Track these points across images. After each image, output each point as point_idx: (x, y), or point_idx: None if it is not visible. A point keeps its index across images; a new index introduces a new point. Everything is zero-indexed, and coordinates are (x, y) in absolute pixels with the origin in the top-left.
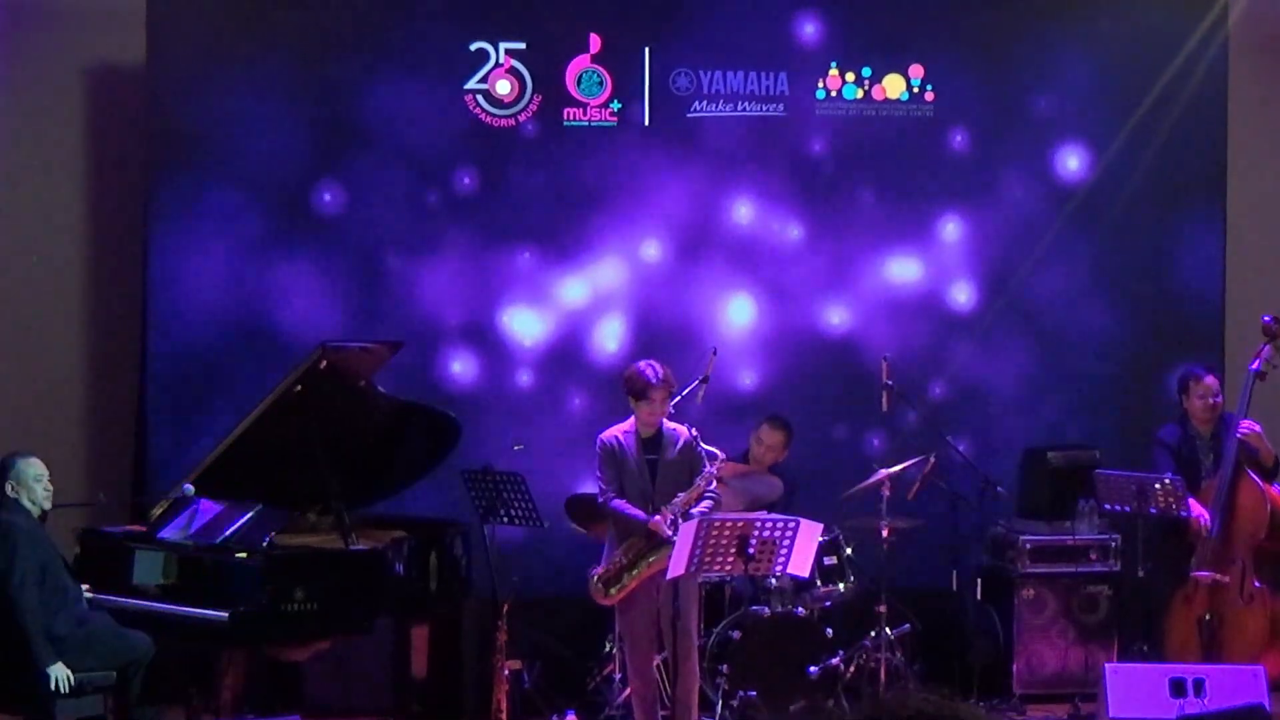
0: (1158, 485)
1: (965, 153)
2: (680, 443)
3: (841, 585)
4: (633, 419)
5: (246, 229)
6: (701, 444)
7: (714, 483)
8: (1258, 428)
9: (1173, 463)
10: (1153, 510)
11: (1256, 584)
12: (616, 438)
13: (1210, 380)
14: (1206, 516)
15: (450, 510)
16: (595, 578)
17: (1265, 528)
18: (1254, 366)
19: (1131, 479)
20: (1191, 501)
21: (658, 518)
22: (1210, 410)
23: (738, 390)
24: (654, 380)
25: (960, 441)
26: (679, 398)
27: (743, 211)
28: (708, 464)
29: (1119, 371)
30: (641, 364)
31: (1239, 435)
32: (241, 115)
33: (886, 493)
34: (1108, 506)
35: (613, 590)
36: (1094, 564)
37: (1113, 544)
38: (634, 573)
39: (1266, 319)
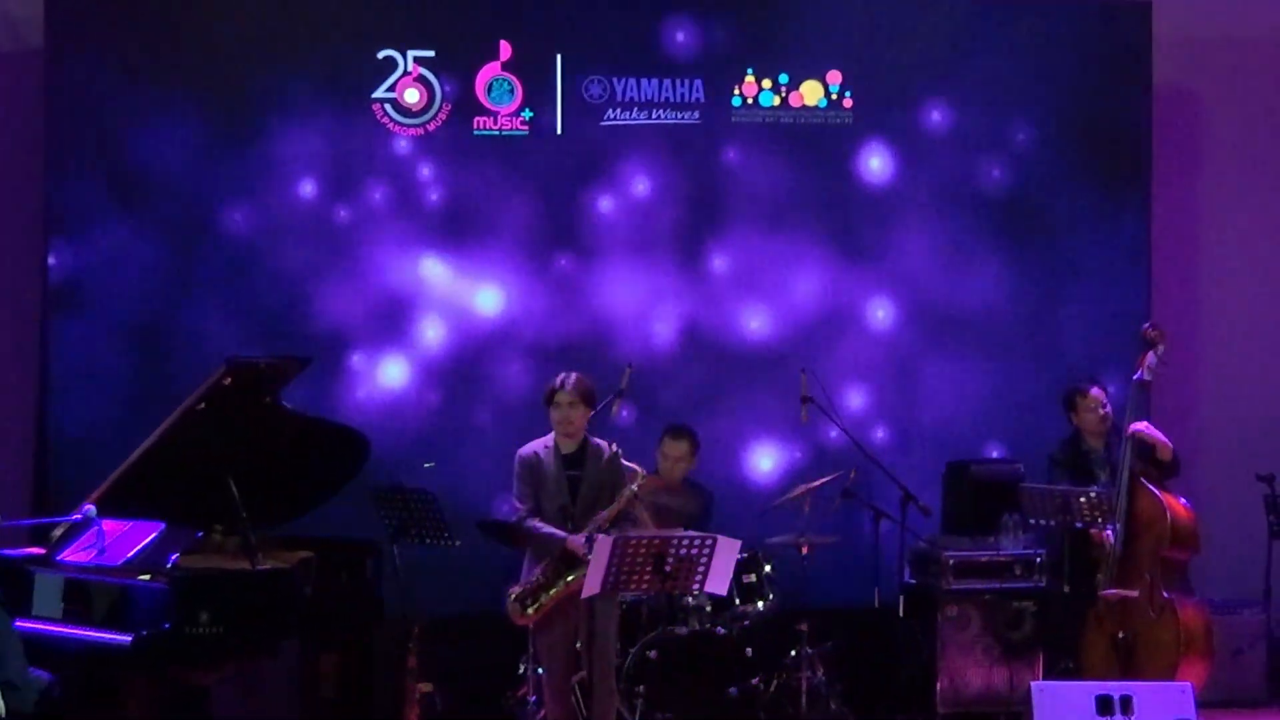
0: (1083, 499)
1: (885, 160)
2: (604, 458)
3: (761, 603)
4: (553, 433)
5: (152, 243)
6: (623, 460)
7: (634, 502)
8: (1144, 426)
9: (1069, 481)
10: (1078, 525)
11: (1165, 594)
12: (536, 452)
13: (1096, 392)
14: (1109, 533)
15: (360, 530)
16: (513, 596)
17: (1168, 537)
18: (1137, 376)
19: (1056, 493)
20: None
21: (577, 537)
22: (1101, 422)
23: (657, 404)
24: (559, 385)
25: (882, 455)
26: (593, 413)
27: (660, 222)
28: (629, 481)
29: (1044, 384)
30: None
31: (1129, 433)
32: (145, 129)
33: (806, 508)
34: (1033, 521)
35: (530, 609)
36: (1018, 580)
37: (1037, 559)
38: (552, 591)
39: (1145, 326)
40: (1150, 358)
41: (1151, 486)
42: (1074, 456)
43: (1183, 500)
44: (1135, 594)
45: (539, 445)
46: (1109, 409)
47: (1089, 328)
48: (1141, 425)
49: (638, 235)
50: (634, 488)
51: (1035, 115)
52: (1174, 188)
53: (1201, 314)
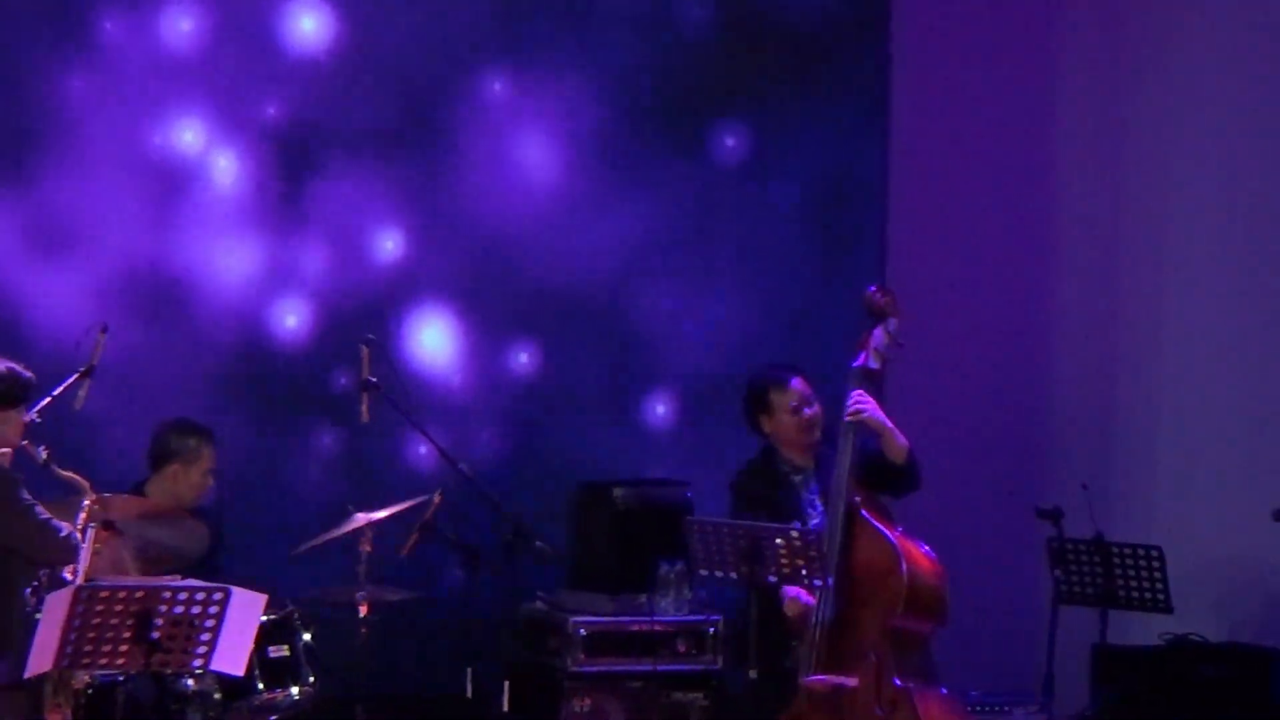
0: (779, 540)
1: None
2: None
3: (296, 689)
4: None
5: None
6: (57, 469)
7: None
8: (869, 404)
9: (766, 519)
10: (771, 579)
11: (898, 682)
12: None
13: (797, 383)
14: (806, 596)
15: None
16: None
17: (901, 598)
18: (859, 361)
19: (740, 530)
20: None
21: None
22: (807, 426)
23: (136, 387)
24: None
25: (487, 470)
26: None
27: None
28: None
29: (729, 372)
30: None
31: (846, 419)
32: None
33: (367, 548)
34: (704, 573)
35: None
36: (683, 660)
37: (711, 630)
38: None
39: (871, 290)
40: (878, 335)
41: (878, 524)
42: (769, 484)
43: (924, 547)
44: (853, 682)
45: None
46: (818, 408)
47: (802, 281)
48: (863, 405)
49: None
50: (84, 513)
51: None
52: (917, 95)
53: (956, 269)
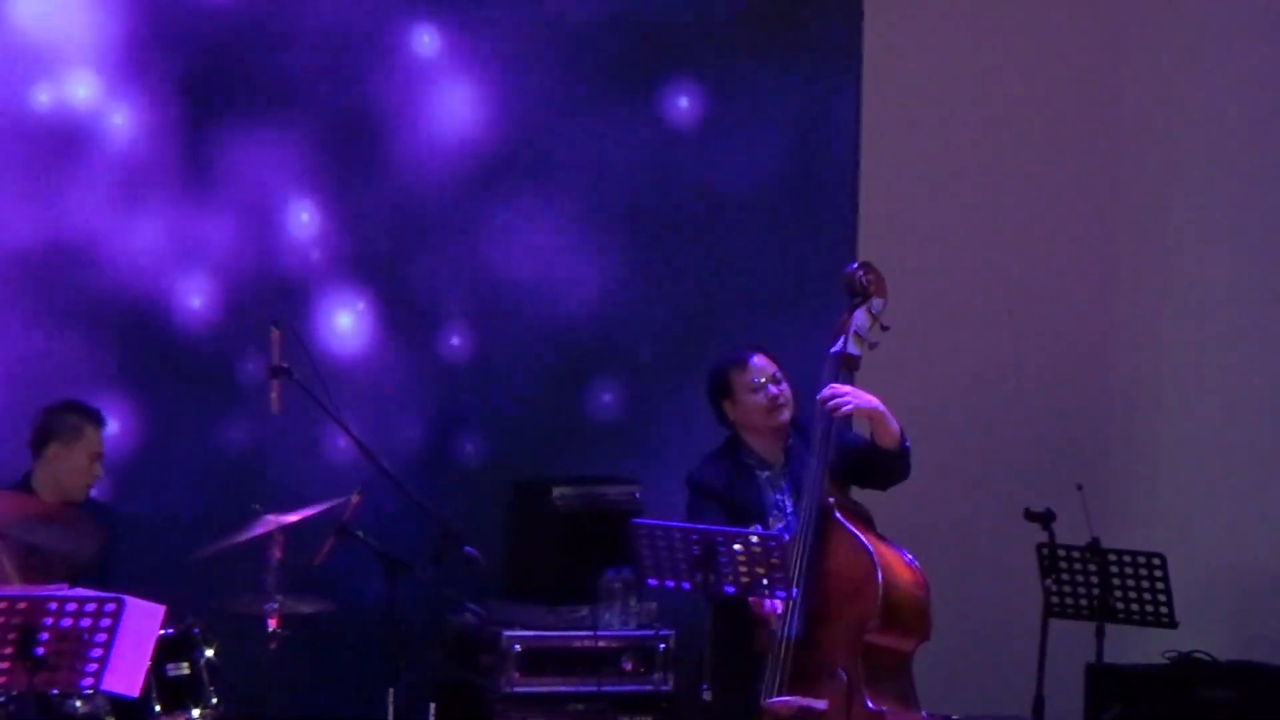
0: (737, 546)
1: None
2: None
3: (197, 711)
4: None
5: None
6: None
7: None
8: (848, 393)
9: (723, 518)
10: (728, 589)
11: (870, 705)
12: None
13: (759, 361)
14: (778, 607)
15: None
16: None
17: (876, 611)
18: (838, 346)
19: (693, 535)
20: None
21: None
22: (773, 406)
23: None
24: None
25: (411, 467)
26: None
27: None
28: None
29: (684, 357)
30: None
31: (832, 414)
32: None
33: (278, 554)
34: (653, 582)
35: None
36: (630, 680)
37: (661, 646)
38: None
39: (852, 267)
40: (860, 318)
41: (852, 527)
42: (732, 476)
43: (906, 555)
44: (821, 705)
45: None
46: (786, 389)
47: (764, 257)
48: (844, 398)
49: None
50: None
51: None
52: (892, 50)
53: (936, 247)
